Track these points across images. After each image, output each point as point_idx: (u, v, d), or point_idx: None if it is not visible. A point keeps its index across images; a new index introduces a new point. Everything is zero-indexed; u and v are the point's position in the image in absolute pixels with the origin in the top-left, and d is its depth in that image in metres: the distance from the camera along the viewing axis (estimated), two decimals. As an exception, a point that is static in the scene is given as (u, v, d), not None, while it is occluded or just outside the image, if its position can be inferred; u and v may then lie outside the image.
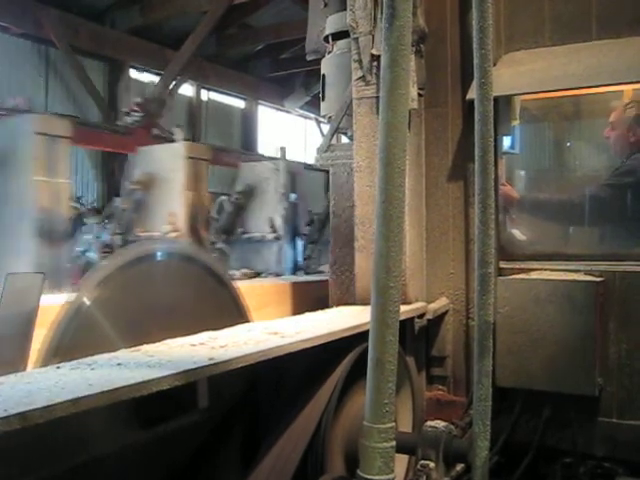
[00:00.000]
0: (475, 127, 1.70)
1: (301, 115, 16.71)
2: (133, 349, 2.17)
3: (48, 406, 1.41)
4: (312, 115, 15.85)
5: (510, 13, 3.75)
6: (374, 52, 3.56)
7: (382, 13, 1.61)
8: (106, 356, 2.04)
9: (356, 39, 3.65)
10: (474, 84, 1.87)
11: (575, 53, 3.45)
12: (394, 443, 1.65)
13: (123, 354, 2.08)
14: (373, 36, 3.59)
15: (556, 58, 3.50)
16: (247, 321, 4.00)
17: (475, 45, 1.73)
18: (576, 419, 3.45)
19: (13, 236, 7.87)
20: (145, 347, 2.20)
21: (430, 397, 3.85)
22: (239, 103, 15.46)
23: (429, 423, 2.83)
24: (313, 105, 13.78)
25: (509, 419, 3.56)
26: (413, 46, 3.64)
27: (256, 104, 15.79)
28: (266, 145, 15.65)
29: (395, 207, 1.53)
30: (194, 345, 2.23)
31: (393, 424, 1.68)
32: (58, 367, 1.89)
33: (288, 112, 16.30)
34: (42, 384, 1.65)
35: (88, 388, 1.59)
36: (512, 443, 3.55)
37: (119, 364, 1.91)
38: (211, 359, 1.97)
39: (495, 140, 3.68)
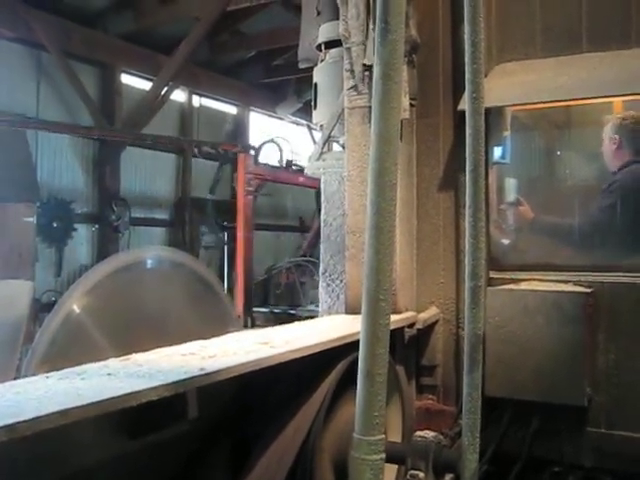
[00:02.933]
0: (466, 141, 1.71)
1: (293, 122, 16.70)
2: (123, 358, 2.17)
3: (36, 418, 1.40)
4: (304, 122, 15.84)
5: (501, 24, 3.77)
6: (366, 62, 3.57)
7: (374, 24, 1.61)
8: (96, 365, 2.04)
9: (348, 49, 3.66)
10: (465, 96, 1.88)
11: (566, 65, 3.48)
12: (384, 455, 1.66)
13: (113, 363, 2.08)
14: (365, 46, 3.61)
15: (547, 70, 3.52)
16: (237, 326, 4.01)
17: (467, 60, 1.74)
18: (565, 429, 3.47)
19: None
20: (135, 356, 2.19)
21: (420, 406, 3.85)
22: (231, 109, 15.45)
23: (418, 433, 2.83)
24: (305, 112, 13.79)
25: (498, 429, 3.57)
26: (405, 57, 3.66)
27: (248, 110, 15.78)
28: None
29: (386, 220, 1.54)
30: (184, 355, 2.23)
31: (383, 436, 1.68)
32: (47, 377, 1.88)
33: (280, 118, 16.28)
34: (31, 394, 1.64)
35: (77, 399, 1.58)
36: (501, 452, 3.55)
37: (109, 374, 1.91)
38: (201, 369, 1.97)
39: (486, 151, 3.72)
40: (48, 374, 1.92)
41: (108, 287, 3.51)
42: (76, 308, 3.43)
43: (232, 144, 12.77)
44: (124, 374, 1.90)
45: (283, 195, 15.24)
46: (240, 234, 9.99)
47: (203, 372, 1.94)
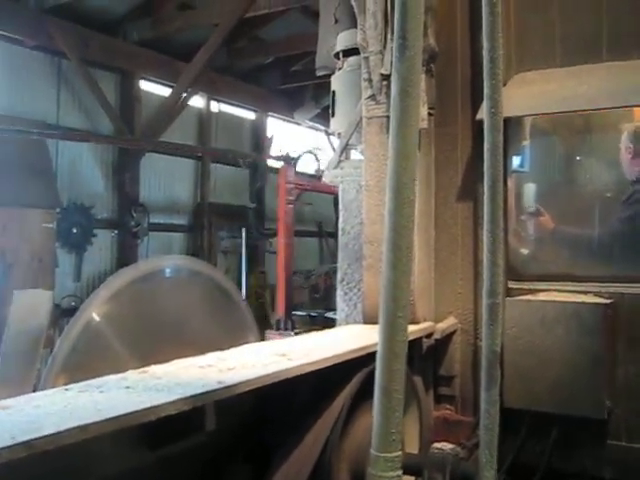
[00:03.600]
0: (485, 157, 1.71)
1: (311, 127, 16.72)
2: (141, 370, 2.18)
3: (56, 433, 1.41)
4: (322, 127, 15.86)
5: (521, 33, 3.76)
6: (383, 72, 3.57)
7: (392, 33, 1.61)
8: (114, 378, 2.05)
9: (366, 58, 3.66)
10: (484, 111, 1.87)
11: (586, 74, 3.46)
12: (401, 472, 1.65)
13: (131, 376, 2.09)
14: (383, 55, 3.61)
15: (567, 79, 3.50)
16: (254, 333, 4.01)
17: (485, 75, 1.74)
18: (585, 442, 3.44)
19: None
20: (153, 368, 2.20)
21: (438, 416, 3.84)
22: (249, 115, 15.51)
23: (436, 445, 2.82)
24: (323, 118, 13.81)
25: (516, 440, 3.54)
26: (423, 66, 3.66)
27: (266, 116, 15.83)
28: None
29: (403, 237, 1.53)
30: (202, 367, 2.24)
31: (400, 453, 1.67)
32: (66, 389, 1.90)
33: (298, 124, 16.31)
34: (50, 408, 1.65)
35: (96, 413, 1.59)
36: (519, 464, 3.53)
37: (127, 387, 1.92)
38: (219, 382, 1.98)
39: (505, 161, 3.71)
40: (67, 386, 1.94)
41: (127, 296, 3.53)
42: (96, 316, 3.45)
43: (273, 156, 13.58)
44: (142, 387, 1.90)
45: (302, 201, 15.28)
46: (281, 241, 10.37)
47: (221, 385, 1.95)
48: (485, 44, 1.72)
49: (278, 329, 9.80)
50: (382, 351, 1.62)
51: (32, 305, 2.95)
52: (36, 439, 1.38)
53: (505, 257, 3.70)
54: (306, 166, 12.29)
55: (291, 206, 10.49)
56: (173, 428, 1.94)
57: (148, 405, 1.68)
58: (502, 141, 1.68)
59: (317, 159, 12.02)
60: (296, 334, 9.10)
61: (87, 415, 1.57)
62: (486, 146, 1.70)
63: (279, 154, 12.89)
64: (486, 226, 1.70)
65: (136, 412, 1.64)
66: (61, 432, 1.43)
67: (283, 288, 10.08)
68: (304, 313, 11.00)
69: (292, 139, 15.96)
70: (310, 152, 12.38)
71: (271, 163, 14.49)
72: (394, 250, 1.53)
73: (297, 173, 11.23)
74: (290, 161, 11.82)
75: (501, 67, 1.71)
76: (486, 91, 1.75)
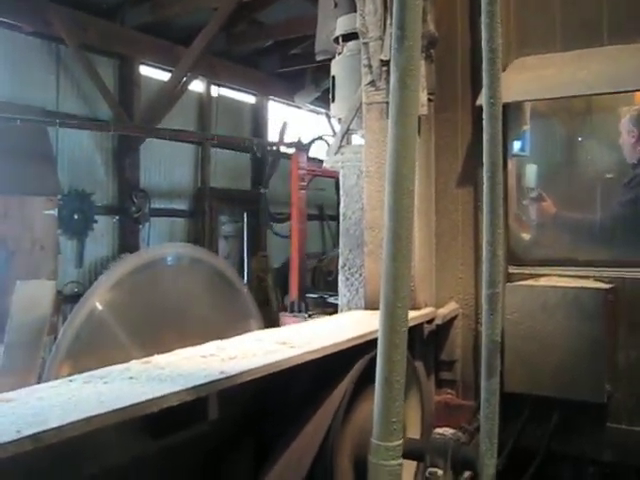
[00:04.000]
0: (484, 146, 1.71)
1: (312, 110, 16.68)
2: (144, 360, 2.19)
3: (61, 426, 1.42)
4: (323, 110, 15.83)
5: (521, 18, 3.74)
6: (383, 58, 3.56)
7: (392, 19, 1.61)
8: (118, 368, 2.07)
9: (366, 44, 3.65)
10: (483, 100, 1.87)
11: (585, 59, 3.44)
12: (401, 461, 1.67)
13: (135, 366, 2.10)
14: (383, 41, 3.59)
15: (566, 64, 3.49)
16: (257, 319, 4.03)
17: (484, 64, 1.74)
18: (585, 425, 3.46)
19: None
20: (156, 358, 2.22)
21: (439, 401, 3.86)
22: (249, 99, 15.46)
23: (437, 430, 2.84)
24: (323, 101, 13.77)
25: (517, 424, 3.57)
26: (423, 52, 3.64)
27: (266, 99, 15.78)
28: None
29: (404, 228, 1.54)
30: (204, 356, 2.25)
31: (401, 441, 1.69)
32: (70, 380, 1.91)
33: (298, 107, 16.27)
34: (54, 400, 1.67)
35: (100, 405, 1.61)
36: (520, 447, 3.56)
37: (131, 377, 1.94)
38: (222, 372, 1.99)
39: (505, 145, 3.70)
40: (71, 377, 1.95)
41: (129, 284, 3.55)
42: (99, 305, 3.47)
43: (286, 143, 13.94)
44: (146, 378, 1.92)
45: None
46: (295, 225, 10.67)
47: (224, 375, 1.96)
48: (484, 34, 1.72)
49: (292, 311, 10.02)
50: (383, 342, 1.63)
51: (35, 296, 2.97)
52: (42, 432, 1.40)
53: (506, 242, 3.71)
54: (317, 152, 12.38)
55: (304, 192, 10.69)
56: (176, 418, 1.96)
57: (151, 396, 1.70)
58: (501, 131, 1.68)
59: (328, 145, 12.20)
60: (310, 316, 9.25)
61: (91, 407, 1.59)
62: (485, 136, 1.70)
63: (292, 141, 13.12)
64: (485, 217, 1.70)
65: (139, 403, 1.65)
66: (66, 425, 1.45)
67: (297, 272, 10.33)
68: (316, 295, 11.12)
69: (300, 124, 15.98)
70: (321, 138, 12.65)
71: (283, 149, 14.68)
72: (394, 240, 1.54)
73: (309, 159, 11.35)
74: (302, 147, 11.93)
75: (500, 57, 1.71)
76: (485, 81, 1.75)
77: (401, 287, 1.57)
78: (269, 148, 14.61)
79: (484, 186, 1.68)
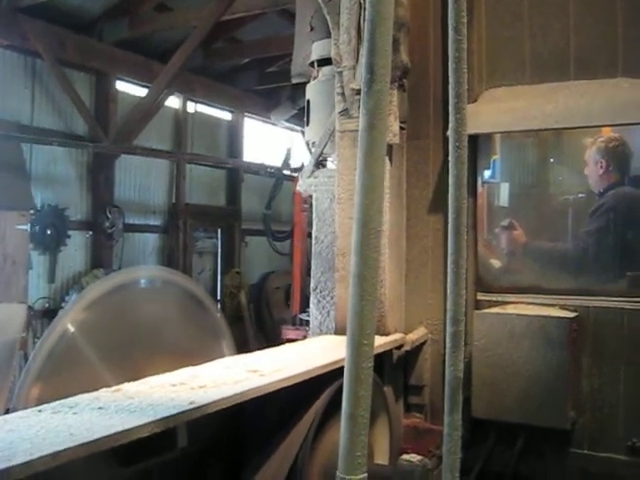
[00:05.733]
0: (449, 190, 1.76)
1: (287, 127, 16.73)
2: (114, 389, 2.21)
3: (28, 462, 1.44)
4: (298, 128, 15.88)
5: (492, 49, 3.83)
6: (356, 87, 3.62)
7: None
8: (87, 397, 2.08)
9: (340, 73, 3.71)
10: (450, 132, 1.91)
11: (553, 93, 3.53)
12: (366, 494, 1.70)
13: (104, 395, 2.12)
14: (356, 70, 3.66)
15: (535, 97, 3.58)
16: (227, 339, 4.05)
17: (451, 108, 1.79)
18: (549, 450, 3.53)
19: None
20: (126, 387, 2.23)
21: (408, 425, 3.90)
22: (225, 115, 15.48)
23: (405, 457, 2.88)
24: (299, 118, 13.83)
25: (484, 448, 3.62)
26: (395, 82, 3.71)
27: (242, 116, 15.81)
28: (252, 156, 15.70)
29: (370, 267, 1.58)
30: (174, 385, 2.27)
31: (365, 475, 1.72)
32: (40, 410, 1.92)
33: (274, 124, 16.32)
34: (23, 433, 1.68)
35: (69, 438, 1.63)
36: (488, 471, 3.61)
37: (100, 408, 1.95)
38: (191, 403, 2.01)
39: (475, 174, 3.78)
40: (40, 407, 1.96)
41: (102, 306, 3.55)
42: (70, 327, 3.47)
43: (286, 167, 14.40)
44: (115, 408, 1.94)
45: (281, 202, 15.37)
46: (297, 244, 11.29)
47: (193, 406, 1.99)
48: (451, 78, 1.78)
49: (294, 324, 10.32)
50: (348, 377, 1.67)
51: (6, 319, 2.96)
52: (10, 468, 1.41)
53: (475, 269, 3.78)
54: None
55: (306, 213, 10.99)
56: (145, 446, 1.98)
57: (120, 429, 1.72)
58: (466, 175, 1.74)
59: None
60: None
61: (60, 440, 1.60)
62: (451, 179, 1.75)
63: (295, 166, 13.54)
64: (450, 257, 1.75)
65: (109, 436, 1.67)
66: (34, 460, 1.46)
67: (299, 287, 10.78)
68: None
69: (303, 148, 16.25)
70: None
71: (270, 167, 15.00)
72: (360, 282, 1.57)
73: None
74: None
75: (466, 102, 1.76)
76: (451, 125, 1.81)
77: (367, 325, 1.60)
78: (271, 170, 14.80)
79: (449, 226, 1.73)
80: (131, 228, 12.17)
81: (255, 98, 15.36)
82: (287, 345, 3.30)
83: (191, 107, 14.14)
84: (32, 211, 9.51)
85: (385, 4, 1.55)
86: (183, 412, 1.93)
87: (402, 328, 3.83)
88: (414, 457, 2.85)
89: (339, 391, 2.67)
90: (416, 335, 3.79)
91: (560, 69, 3.61)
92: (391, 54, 1.73)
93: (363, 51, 1.63)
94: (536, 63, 3.70)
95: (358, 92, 3.64)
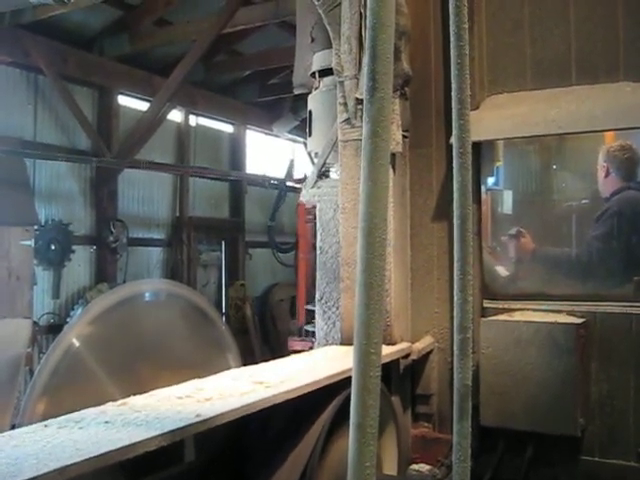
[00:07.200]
0: (454, 196, 1.75)
1: (290, 139, 16.76)
2: (120, 402, 2.19)
3: (35, 478, 1.43)
4: (300, 139, 15.90)
5: (493, 57, 3.82)
6: (358, 96, 3.62)
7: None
8: (93, 412, 2.06)
9: (342, 82, 3.71)
10: (453, 140, 1.90)
11: (555, 98, 3.53)
12: (375, 504, 1.68)
13: (111, 409, 2.11)
14: (358, 80, 3.66)
15: (537, 103, 3.57)
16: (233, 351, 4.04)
17: (454, 114, 1.79)
18: (559, 458, 3.50)
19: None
20: (132, 400, 2.22)
21: (416, 434, 3.88)
22: (227, 128, 15.51)
23: (414, 467, 2.87)
24: (301, 129, 13.85)
25: (494, 457, 3.60)
26: (397, 90, 3.71)
27: (244, 128, 15.84)
28: (254, 168, 15.72)
29: (376, 276, 1.56)
30: (180, 397, 2.26)
31: (374, 486, 1.70)
32: (46, 425, 1.91)
33: (277, 136, 16.35)
34: (29, 448, 1.67)
35: (75, 453, 1.61)
36: (498, 479, 3.58)
37: (106, 422, 1.94)
38: (197, 415, 2.00)
39: (479, 181, 3.77)
40: (47, 422, 1.95)
41: (107, 320, 3.55)
42: (76, 341, 3.47)
43: (289, 179, 14.56)
44: (121, 422, 1.92)
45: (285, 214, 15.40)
46: (302, 255, 11.21)
47: (199, 419, 1.97)
48: (453, 85, 1.77)
49: (300, 336, 10.30)
50: (356, 387, 1.65)
51: (11, 335, 2.95)
52: (15, 484, 1.40)
53: (481, 277, 3.77)
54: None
55: (310, 225, 11.03)
56: (152, 460, 1.96)
57: (127, 443, 1.70)
58: (471, 181, 1.73)
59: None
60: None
61: (66, 455, 1.59)
62: (455, 185, 1.74)
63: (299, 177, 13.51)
64: (456, 264, 1.74)
65: (115, 450, 1.66)
66: (40, 476, 1.45)
67: (303, 299, 10.76)
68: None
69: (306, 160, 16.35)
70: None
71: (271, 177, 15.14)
72: (366, 290, 1.56)
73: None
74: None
75: (469, 108, 1.76)
76: (454, 131, 1.80)
77: (374, 333, 1.59)
78: (274, 182, 14.87)
79: (454, 233, 1.72)
80: (135, 242, 12.17)
81: (257, 110, 15.38)
82: (293, 356, 3.28)
83: (193, 120, 14.17)
84: (36, 226, 9.51)
85: (386, 11, 1.54)
86: (190, 425, 1.92)
87: (408, 337, 3.81)
88: (423, 467, 2.84)
89: (346, 401, 2.65)
90: (423, 344, 3.77)
91: (562, 74, 3.61)
92: (393, 61, 1.72)
93: (365, 59, 1.62)
94: (537, 69, 3.70)
95: (360, 102, 3.64)
